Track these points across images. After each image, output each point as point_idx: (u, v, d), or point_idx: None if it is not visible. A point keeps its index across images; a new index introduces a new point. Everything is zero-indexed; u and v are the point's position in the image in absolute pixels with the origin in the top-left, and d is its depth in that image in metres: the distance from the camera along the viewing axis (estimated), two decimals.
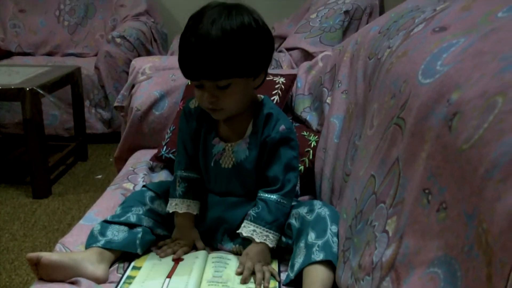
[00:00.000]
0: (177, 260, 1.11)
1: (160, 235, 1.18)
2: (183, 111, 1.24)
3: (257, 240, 1.08)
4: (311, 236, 1.05)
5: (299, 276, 1.02)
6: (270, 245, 1.09)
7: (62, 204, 2.37)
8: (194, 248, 1.17)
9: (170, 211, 1.18)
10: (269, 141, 1.13)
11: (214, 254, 1.14)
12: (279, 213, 1.11)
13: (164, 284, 1.01)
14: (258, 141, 1.14)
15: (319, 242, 1.02)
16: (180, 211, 1.17)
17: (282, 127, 1.14)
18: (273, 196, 1.11)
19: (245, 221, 1.11)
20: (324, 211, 1.09)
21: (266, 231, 1.09)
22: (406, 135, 0.78)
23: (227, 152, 1.17)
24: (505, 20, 0.72)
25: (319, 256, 1.00)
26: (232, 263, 1.11)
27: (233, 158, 1.16)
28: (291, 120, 1.42)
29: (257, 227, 1.09)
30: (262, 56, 1.09)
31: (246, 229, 1.10)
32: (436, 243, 0.65)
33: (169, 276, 1.05)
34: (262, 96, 1.19)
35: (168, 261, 1.10)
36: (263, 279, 1.03)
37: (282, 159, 1.13)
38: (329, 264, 1.00)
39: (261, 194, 1.13)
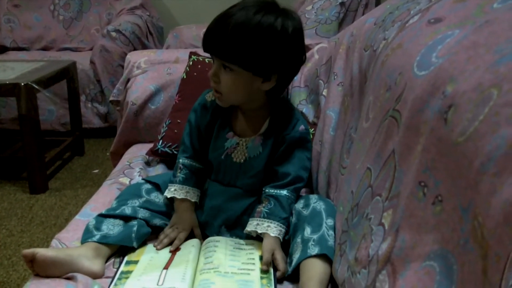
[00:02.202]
0: (174, 251, 1.11)
1: (157, 226, 1.18)
2: (197, 103, 1.25)
3: (272, 235, 1.08)
4: (307, 231, 1.05)
5: (296, 271, 1.02)
6: (281, 240, 1.10)
7: (59, 200, 2.37)
8: (191, 235, 1.17)
9: (168, 196, 1.19)
10: (288, 138, 1.15)
11: (204, 242, 1.15)
12: (289, 208, 1.12)
13: (161, 276, 1.01)
14: (273, 138, 1.16)
15: (315, 237, 1.02)
16: (178, 197, 1.18)
17: (302, 127, 1.17)
18: (283, 192, 1.13)
19: (256, 218, 1.11)
20: (320, 205, 1.09)
21: (280, 226, 1.10)
22: (402, 128, 0.78)
23: (240, 147, 1.17)
24: (500, 12, 0.71)
25: (314, 250, 1.00)
26: (221, 245, 1.11)
27: (246, 154, 1.17)
28: None
29: (271, 222, 1.10)
30: (273, 60, 1.07)
31: (261, 226, 1.09)
32: (432, 237, 0.64)
33: (166, 267, 1.05)
34: (283, 96, 1.22)
35: (165, 253, 1.11)
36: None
37: (297, 160, 1.16)
38: (326, 257, 1.00)
39: (271, 190, 1.13)
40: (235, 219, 1.16)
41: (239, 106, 1.19)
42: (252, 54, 1.04)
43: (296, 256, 1.02)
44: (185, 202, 1.19)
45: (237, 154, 1.18)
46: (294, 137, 1.15)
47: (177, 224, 1.16)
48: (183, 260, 1.07)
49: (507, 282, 0.47)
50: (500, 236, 0.49)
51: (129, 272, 1.03)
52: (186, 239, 1.15)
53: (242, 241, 1.14)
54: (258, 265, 1.06)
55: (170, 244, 1.13)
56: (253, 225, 1.11)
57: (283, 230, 1.10)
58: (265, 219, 1.10)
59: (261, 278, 1.02)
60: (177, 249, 1.12)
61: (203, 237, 1.18)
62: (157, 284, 0.99)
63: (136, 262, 1.07)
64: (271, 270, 1.04)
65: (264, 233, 1.09)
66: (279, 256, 1.05)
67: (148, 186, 1.23)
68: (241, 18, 1.03)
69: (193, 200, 1.19)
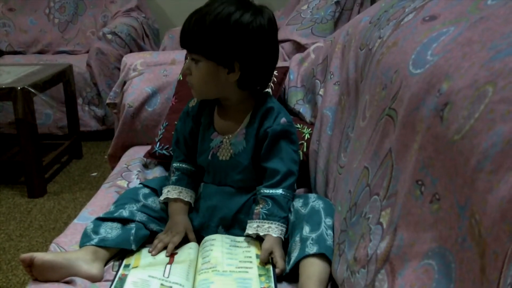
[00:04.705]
0: (171, 255, 1.10)
1: (153, 230, 1.17)
2: (182, 111, 1.28)
3: (274, 235, 1.08)
4: (306, 229, 1.05)
5: (296, 269, 1.01)
6: (283, 239, 1.10)
7: (57, 203, 2.37)
8: (186, 240, 1.16)
9: (162, 199, 1.20)
10: (270, 131, 1.15)
11: (201, 243, 1.14)
12: (287, 207, 1.12)
13: (166, 269, 1.03)
14: (255, 132, 1.16)
15: (313, 235, 1.02)
16: (171, 197, 1.19)
17: (283, 119, 1.17)
18: (279, 191, 1.12)
19: (255, 220, 1.11)
20: (319, 204, 1.09)
21: (281, 226, 1.10)
22: (398, 126, 0.78)
23: (224, 145, 1.18)
24: (494, 8, 0.71)
25: (312, 249, 1.00)
26: (218, 243, 1.11)
27: (231, 150, 1.18)
28: None
29: (272, 223, 1.10)
30: (230, 48, 1.09)
31: (262, 228, 1.09)
32: (429, 235, 0.64)
33: (170, 263, 1.06)
34: (266, 92, 1.23)
35: (163, 257, 1.10)
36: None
37: (283, 153, 1.15)
38: (325, 257, 0.99)
39: (266, 191, 1.13)
40: (231, 218, 1.17)
41: (221, 104, 1.21)
42: (210, 42, 1.09)
43: (294, 255, 1.02)
44: (178, 203, 1.19)
45: (222, 152, 1.18)
46: (276, 130, 1.15)
47: (171, 228, 1.16)
48: (186, 259, 1.07)
49: (506, 279, 0.47)
50: (498, 234, 0.49)
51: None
52: (181, 243, 1.14)
53: (238, 239, 1.14)
54: (255, 263, 1.06)
55: (165, 249, 1.12)
56: (254, 228, 1.11)
57: (284, 229, 1.10)
58: (265, 221, 1.10)
59: (260, 275, 1.02)
60: (174, 253, 1.11)
61: (201, 240, 1.17)
62: (163, 276, 1.00)
63: (136, 268, 1.06)
64: (270, 267, 1.04)
65: (265, 234, 1.09)
66: (278, 254, 1.05)
67: (145, 190, 1.23)
68: (204, 10, 1.09)
69: (186, 200, 1.19)
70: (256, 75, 1.15)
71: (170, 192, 1.20)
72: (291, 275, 1.03)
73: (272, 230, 1.09)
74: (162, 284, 0.98)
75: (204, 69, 1.12)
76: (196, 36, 1.09)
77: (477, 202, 0.54)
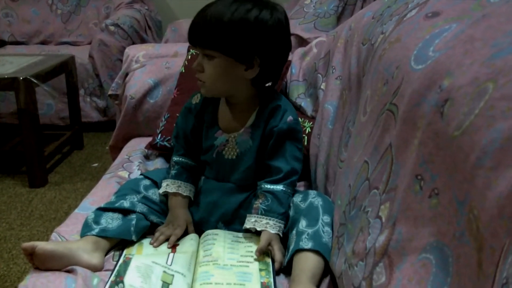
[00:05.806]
0: (173, 247, 1.11)
1: (153, 222, 1.18)
2: (184, 106, 1.26)
3: (272, 231, 1.08)
4: (302, 223, 1.05)
5: (291, 263, 1.02)
6: (281, 235, 1.10)
7: (58, 193, 2.38)
8: (186, 233, 1.17)
9: (161, 192, 1.20)
10: (276, 130, 1.14)
11: (202, 235, 1.15)
12: (287, 203, 1.12)
13: (169, 257, 1.04)
14: (261, 131, 1.15)
15: (309, 231, 1.03)
16: (170, 191, 1.19)
17: (290, 118, 1.16)
18: (279, 187, 1.12)
19: (254, 215, 1.11)
20: (318, 201, 1.10)
21: (279, 222, 1.10)
22: (399, 122, 0.78)
23: (230, 143, 1.18)
24: (496, 6, 0.71)
25: (307, 244, 1.00)
26: (220, 238, 1.12)
27: (237, 149, 1.17)
28: None
29: (270, 219, 1.10)
30: (252, 45, 1.08)
31: (259, 223, 1.10)
32: (428, 230, 0.65)
33: (173, 252, 1.07)
34: (272, 88, 1.22)
35: (164, 248, 1.11)
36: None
37: (288, 152, 1.15)
38: (320, 253, 1.00)
39: (266, 186, 1.13)
40: (231, 214, 1.17)
41: (227, 101, 1.20)
42: (230, 38, 1.06)
43: (290, 248, 1.03)
44: (177, 197, 1.19)
45: (228, 151, 1.18)
46: (282, 128, 1.14)
47: (172, 221, 1.16)
48: (188, 249, 1.08)
49: (501, 274, 0.47)
50: (495, 229, 0.50)
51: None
52: (181, 236, 1.15)
53: (240, 235, 1.14)
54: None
55: (166, 241, 1.13)
56: (251, 222, 1.11)
57: (282, 226, 1.10)
58: (263, 216, 1.10)
59: (260, 270, 1.03)
60: (176, 244, 1.12)
61: (201, 234, 1.17)
62: (166, 263, 1.02)
63: (139, 255, 1.07)
64: (269, 262, 1.05)
65: (263, 230, 1.09)
66: (276, 247, 1.06)
67: (146, 182, 1.23)
68: (219, 6, 1.07)
69: (185, 194, 1.19)
70: (273, 71, 1.15)
71: (169, 186, 1.20)
72: (289, 268, 1.03)
73: (270, 226, 1.09)
74: (165, 272, 1.00)
75: (220, 66, 1.09)
76: (213, 32, 1.06)
77: (476, 197, 0.54)
